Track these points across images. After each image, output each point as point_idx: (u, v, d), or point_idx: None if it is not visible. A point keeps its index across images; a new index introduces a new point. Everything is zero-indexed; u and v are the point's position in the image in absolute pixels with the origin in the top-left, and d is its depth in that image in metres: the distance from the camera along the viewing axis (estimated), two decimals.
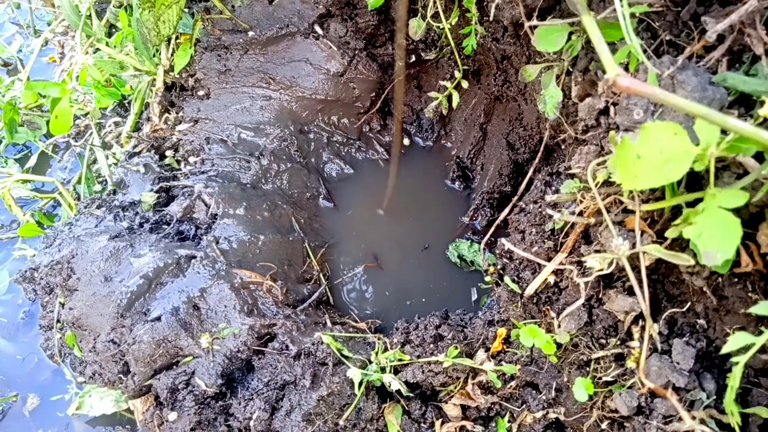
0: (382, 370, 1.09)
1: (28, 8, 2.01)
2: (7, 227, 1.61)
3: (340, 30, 1.46)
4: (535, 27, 0.92)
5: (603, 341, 0.92)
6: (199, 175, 1.44)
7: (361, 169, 1.60)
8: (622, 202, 0.82)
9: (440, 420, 1.08)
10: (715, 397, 0.77)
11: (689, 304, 0.83)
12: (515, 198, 1.38)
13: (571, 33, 0.91)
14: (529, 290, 1.01)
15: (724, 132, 0.61)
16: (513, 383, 1.03)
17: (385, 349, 1.13)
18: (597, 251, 0.86)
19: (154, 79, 1.59)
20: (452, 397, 1.08)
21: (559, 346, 0.96)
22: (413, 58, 1.53)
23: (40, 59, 1.87)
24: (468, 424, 1.06)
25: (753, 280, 0.74)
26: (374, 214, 1.52)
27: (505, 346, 1.05)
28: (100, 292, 1.20)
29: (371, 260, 1.45)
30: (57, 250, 1.33)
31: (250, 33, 1.48)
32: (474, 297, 1.37)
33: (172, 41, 1.56)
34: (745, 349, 0.65)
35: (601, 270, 0.81)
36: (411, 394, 1.08)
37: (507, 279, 1.07)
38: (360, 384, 1.05)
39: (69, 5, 1.58)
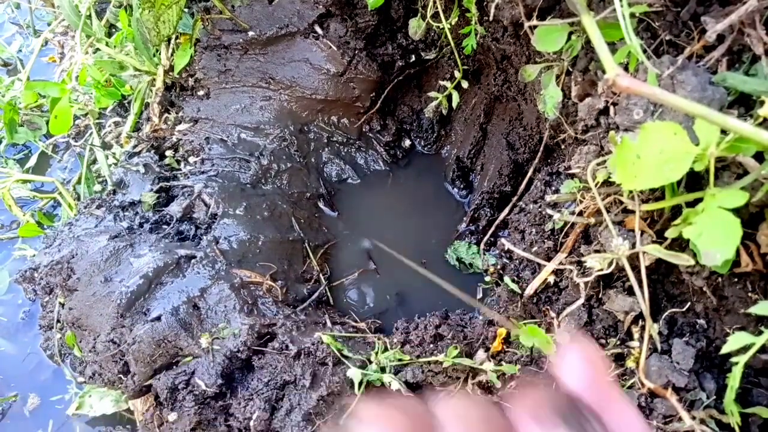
0: (382, 370, 1.09)
1: (28, 8, 2.01)
2: (7, 227, 1.61)
3: (340, 30, 1.46)
4: (535, 27, 0.92)
5: (603, 341, 0.92)
6: (199, 175, 1.44)
7: (364, 176, 1.60)
8: (622, 202, 0.82)
9: None
10: (715, 397, 0.77)
11: (689, 304, 0.83)
12: (515, 198, 1.38)
13: (570, 33, 0.91)
14: (529, 290, 1.01)
15: (724, 132, 0.61)
16: (513, 383, 1.03)
17: (385, 349, 1.13)
18: (597, 251, 0.86)
19: (154, 79, 1.59)
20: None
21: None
22: (413, 58, 1.53)
23: (40, 59, 1.87)
24: None
25: (753, 280, 0.74)
26: (372, 217, 1.52)
27: (505, 346, 1.05)
28: (100, 292, 1.20)
29: (367, 264, 1.44)
30: (57, 250, 1.33)
31: (250, 33, 1.47)
32: (479, 296, 1.37)
33: (172, 41, 1.56)
34: (745, 349, 0.65)
35: (601, 270, 0.81)
36: (411, 394, 1.08)
37: (507, 279, 1.07)
38: (360, 384, 1.05)
39: (69, 5, 1.58)
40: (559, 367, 0.34)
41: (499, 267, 1.19)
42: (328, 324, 1.24)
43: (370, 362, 1.10)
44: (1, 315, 1.47)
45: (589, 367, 0.34)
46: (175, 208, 1.38)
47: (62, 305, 1.29)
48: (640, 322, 0.86)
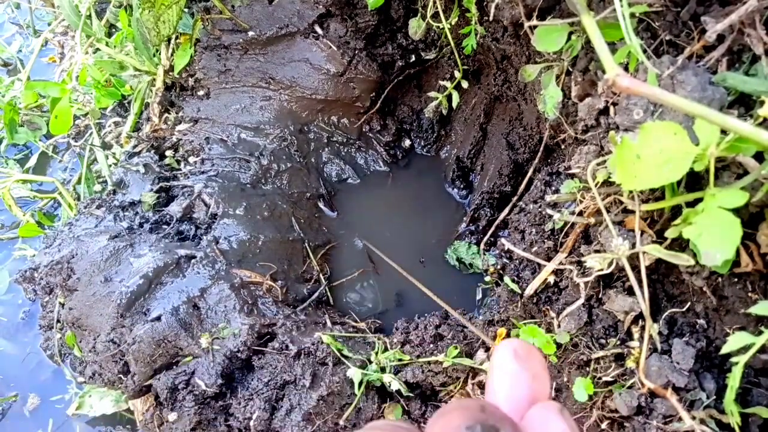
0: (382, 369, 1.09)
1: (28, 8, 2.01)
2: (7, 227, 1.61)
3: (340, 30, 1.46)
4: (535, 27, 0.92)
5: (603, 341, 0.92)
6: (199, 175, 1.44)
7: (364, 176, 1.60)
8: (622, 202, 0.82)
9: None
10: (715, 397, 0.77)
11: (689, 304, 0.83)
12: (515, 198, 1.38)
13: (570, 33, 0.91)
14: (529, 290, 1.01)
15: (724, 132, 0.61)
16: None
17: (385, 349, 1.13)
18: (597, 251, 0.86)
19: (154, 79, 1.59)
20: (452, 397, 1.08)
21: (559, 346, 0.96)
22: (413, 58, 1.53)
23: (40, 59, 1.87)
24: None
25: (753, 280, 0.74)
26: (372, 217, 1.52)
27: None
28: (100, 292, 1.20)
29: (367, 264, 1.44)
30: (57, 250, 1.33)
31: (250, 33, 1.47)
32: (479, 296, 1.36)
33: (172, 41, 1.56)
34: (745, 349, 0.65)
35: (601, 270, 0.81)
36: (411, 394, 1.08)
37: (507, 279, 1.07)
38: (360, 384, 1.05)
39: (69, 5, 1.58)
40: (489, 371, 0.33)
41: (499, 267, 1.19)
42: (328, 324, 1.24)
43: (370, 362, 1.10)
44: (1, 315, 1.47)
45: (516, 374, 0.32)
46: (175, 208, 1.38)
47: (62, 305, 1.29)
48: (640, 322, 0.86)
